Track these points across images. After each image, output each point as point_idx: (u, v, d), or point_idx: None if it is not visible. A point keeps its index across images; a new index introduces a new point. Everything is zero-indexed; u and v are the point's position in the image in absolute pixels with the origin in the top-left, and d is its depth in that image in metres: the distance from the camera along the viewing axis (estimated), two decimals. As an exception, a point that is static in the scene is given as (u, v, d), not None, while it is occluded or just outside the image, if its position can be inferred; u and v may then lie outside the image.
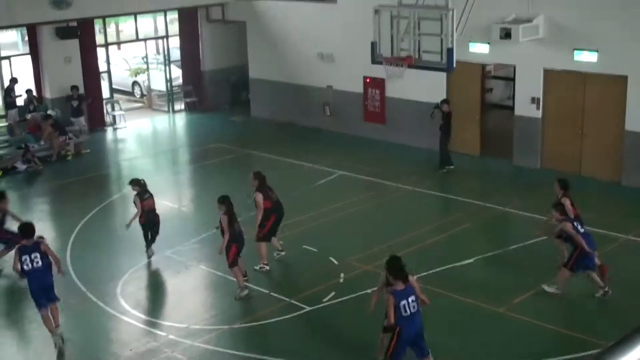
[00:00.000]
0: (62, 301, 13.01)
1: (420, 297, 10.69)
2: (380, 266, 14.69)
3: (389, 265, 10.78)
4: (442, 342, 12.23)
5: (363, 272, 14.79)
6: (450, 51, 17.84)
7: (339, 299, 13.68)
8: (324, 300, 13.64)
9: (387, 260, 10.87)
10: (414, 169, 20.96)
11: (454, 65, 18.00)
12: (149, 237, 15.69)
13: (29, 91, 24.80)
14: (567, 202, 13.88)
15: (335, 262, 15.24)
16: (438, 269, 14.68)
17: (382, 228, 16.84)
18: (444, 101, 21.02)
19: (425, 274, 14.40)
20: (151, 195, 15.67)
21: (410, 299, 10.45)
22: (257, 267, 14.82)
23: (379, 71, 20.76)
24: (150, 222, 15.61)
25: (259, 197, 14.82)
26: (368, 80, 24.01)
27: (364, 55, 19.99)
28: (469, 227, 17.03)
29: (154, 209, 15.69)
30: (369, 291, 13.79)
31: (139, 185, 15.64)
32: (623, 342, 3.38)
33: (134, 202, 15.53)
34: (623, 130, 19.08)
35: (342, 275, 14.61)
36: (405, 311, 10.43)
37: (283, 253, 15.39)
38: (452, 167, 20.89)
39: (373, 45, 19.18)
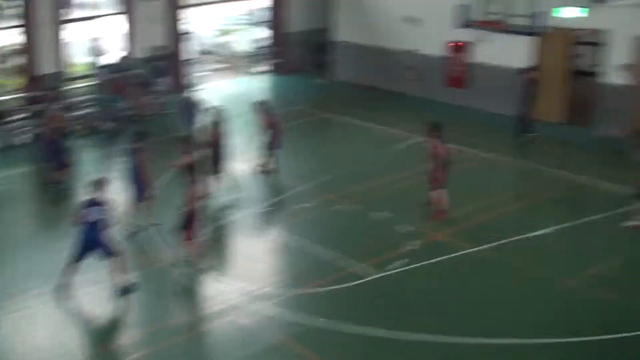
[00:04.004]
0: (139, 258, 13.36)
1: None
2: (456, 234, 14.62)
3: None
4: (510, 312, 12.05)
5: (435, 240, 14.62)
6: (540, 15, 17.32)
7: (408, 267, 13.54)
8: (393, 267, 13.51)
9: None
10: (494, 137, 20.52)
11: (544, 30, 17.45)
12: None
13: (121, 51, 25.29)
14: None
15: (408, 229, 15.08)
16: (512, 239, 14.42)
17: (457, 196, 16.51)
18: (531, 68, 20.42)
19: (499, 243, 14.21)
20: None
21: None
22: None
23: (464, 35, 20.33)
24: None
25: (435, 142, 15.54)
26: (453, 44, 23.50)
27: (451, 18, 19.59)
28: (548, 197, 16.62)
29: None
30: (439, 259, 13.71)
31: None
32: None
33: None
34: None
35: (413, 242, 14.46)
36: None
37: None
38: (534, 135, 20.34)
39: (461, 8, 18.78)
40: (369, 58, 26.32)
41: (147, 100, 23.79)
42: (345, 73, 27.39)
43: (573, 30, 21.24)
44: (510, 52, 21.68)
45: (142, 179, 15.07)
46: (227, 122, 17.76)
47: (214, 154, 16.73)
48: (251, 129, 18.69)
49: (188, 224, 13.47)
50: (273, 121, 18.30)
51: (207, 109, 18.18)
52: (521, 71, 20.54)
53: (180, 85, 26.66)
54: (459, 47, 23.33)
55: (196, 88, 27.17)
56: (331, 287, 12.99)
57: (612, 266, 13.48)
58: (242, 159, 19.62)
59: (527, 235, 14.62)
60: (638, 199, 14.77)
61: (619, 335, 11.27)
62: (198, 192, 13.65)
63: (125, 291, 12.74)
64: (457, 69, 23.68)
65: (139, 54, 25.49)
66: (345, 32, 27.12)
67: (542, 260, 13.81)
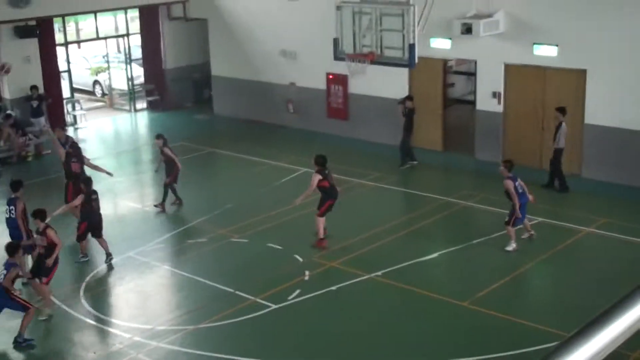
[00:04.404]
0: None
1: None
2: (348, 262, 14.87)
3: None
4: (405, 335, 12.32)
5: (328, 269, 14.82)
6: (412, 47, 17.90)
7: (304, 297, 13.68)
8: (289, 298, 13.63)
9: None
10: (377, 165, 21.02)
11: (416, 61, 18.07)
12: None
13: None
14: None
15: (300, 259, 15.24)
16: (402, 265, 14.76)
17: (346, 225, 16.83)
18: (408, 97, 21.08)
19: (389, 269, 14.52)
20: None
21: None
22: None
23: (341, 68, 20.76)
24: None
25: (316, 177, 15.57)
26: (331, 76, 23.99)
27: (327, 51, 19.98)
28: (432, 222, 17.14)
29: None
30: (333, 288, 13.92)
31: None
32: (579, 335, 3.40)
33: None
34: (582, 124, 19.28)
35: (306, 272, 14.62)
36: None
37: None
38: (415, 162, 20.99)
39: (335, 41, 19.19)
40: (248, 92, 26.47)
41: (23, 141, 23.10)
42: (226, 108, 27.42)
43: (445, 60, 22.16)
44: (387, 83, 22.31)
45: (22, 230, 14.65)
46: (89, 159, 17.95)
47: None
48: (134, 166, 18.44)
49: (49, 268, 13.33)
50: (171, 155, 18.13)
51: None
52: (399, 101, 21.18)
53: (58, 124, 25.99)
54: (337, 79, 23.82)
55: (74, 127, 26.62)
56: (229, 321, 12.97)
57: (500, 287, 13.98)
58: (131, 196, 19.41)
59: (416, 261, 15.02)
60: (508, 224, 15.36)
61: (517, 352, 11.72)
62: (53, 235, 13.52)
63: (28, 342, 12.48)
64: (337, 100, 24.16)
65: (12, 94, 24.74)
66: (223, 66, 27.20)
67: (433, 285, 14.18)
